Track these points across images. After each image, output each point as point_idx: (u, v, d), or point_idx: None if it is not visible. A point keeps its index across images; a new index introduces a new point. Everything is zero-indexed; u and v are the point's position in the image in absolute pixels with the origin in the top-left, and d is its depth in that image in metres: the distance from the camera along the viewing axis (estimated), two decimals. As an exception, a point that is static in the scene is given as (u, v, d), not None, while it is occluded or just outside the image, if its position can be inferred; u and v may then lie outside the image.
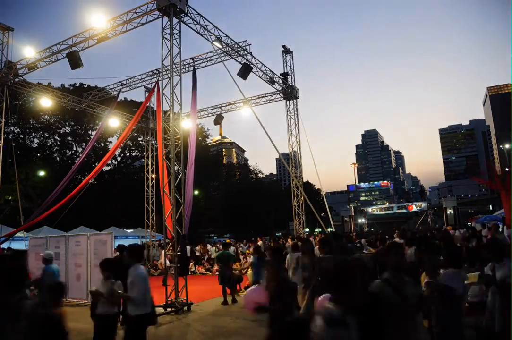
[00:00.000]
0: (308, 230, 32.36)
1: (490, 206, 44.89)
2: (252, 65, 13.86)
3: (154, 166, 18.40)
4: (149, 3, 10.59)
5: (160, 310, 8.25)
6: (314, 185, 62.06)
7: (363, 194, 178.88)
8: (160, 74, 10.72)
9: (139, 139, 33.12)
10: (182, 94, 9.98)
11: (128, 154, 37.96)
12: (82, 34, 11.90)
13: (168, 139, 9.93)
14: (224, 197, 44.70)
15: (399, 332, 2.61)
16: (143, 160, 23.30)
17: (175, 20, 10.21)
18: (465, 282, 4.61)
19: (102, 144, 34.33)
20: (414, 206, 41.69)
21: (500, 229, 12.87)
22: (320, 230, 41.84)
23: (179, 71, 10.20)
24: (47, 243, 11.07)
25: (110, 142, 35.65)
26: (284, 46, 17.42)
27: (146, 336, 4.36)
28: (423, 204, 41.30)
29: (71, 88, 30.55)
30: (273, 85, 15.99)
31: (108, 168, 36.19)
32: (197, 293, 10.18)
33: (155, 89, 12.94)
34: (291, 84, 16.77)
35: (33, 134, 32.15)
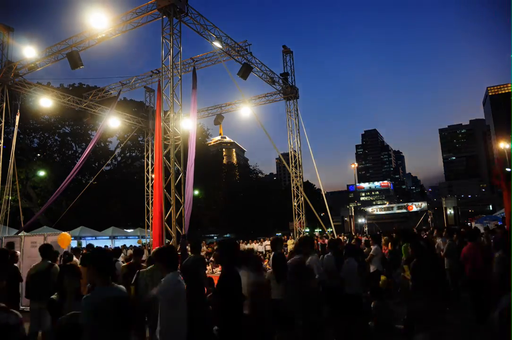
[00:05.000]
0: (308, 230, 32.35)
1: (490, 206, 44.88)
2: (252, 65, 13.86)
3: (154, 166, 18.40)
4: (149, 3, 10.60)
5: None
6: (314, 185, 62.06)
7: (363, 194, 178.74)
8: (160, 74, 10.73)
9: (139, 139, 33.13)
10: (182, 94, 10.00)
11: (128, 154, 37.93)
12: (82, 34, 11.90)
13: (168, 139, 9.93)
14: (224, 197, 44.68)
15: None
16: (143, 160, 23.30)
17: (175, 20, 10.21)
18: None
19: (102, 144, 34.31)
20: (414, 206, 41.66)
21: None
22: (320, 230, 41.84)
23: (179, 71, 10.20)
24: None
25: (110, 142, 35.67)
26: (284, 46, 17.41)
27: None
28: (423, 204, 41.29)
29: (71, 88, 30.52)
30: (273, 85, 15.99)
31: (108, 168, 36.17)
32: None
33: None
34: (291, 84, 16.77)
35: (33, 134, 32.14)
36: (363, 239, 17.85)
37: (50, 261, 5.74)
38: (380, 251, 7.70)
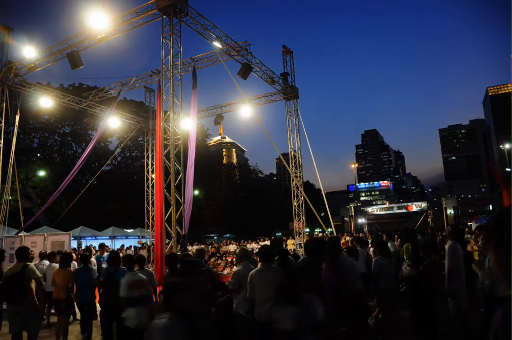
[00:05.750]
0: (308, 230, 32.33)
1: (490, 206, 44.85)
2: (252, 65, 13.86)
3: (154, 166, 18.41)
4: (149, 3, 10.60)
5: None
6: (314, 185, 62.06)
7: (363, 194, 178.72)
8: (160, 74, 10.74)
9: (139, 139, 33.11)
10: (182, 94, 10.00)
11: (128, 154, 37.92)
12: (82, 34, 11.91)
13: (168, 139, 9.93)
14: (224, 197, 44.67)
15: None
16: (143, 160, 23.30)
17: (175, 20, 10.22)
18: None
19: (102, 144, 34.30)
20: (414, 206, 41.58)
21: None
22: (320, 230, 41.84)
23: (179, 71, 10.20)
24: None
25: (110, 142, 35.66)
26: (284, 46, 17.42)
27: None
28: (423, 204, 41.19)
29: (71, 88, 30.52)
30: (273, 85, 15.99)
31: (108, 168, 36.17)
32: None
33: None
34: (291, 84, 16.77)
35: (33, 134, 32.13)
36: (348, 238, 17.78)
37: (27, 263, 5.59)
38: (364, 253, 7.64)
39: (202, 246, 7.17)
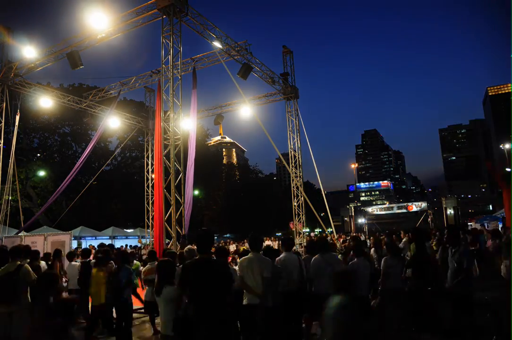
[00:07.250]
0: (308, 230, 32.34)
1: (490, 206, 44.87)
2: (252, 65, 13.86)
3: (154, 166, 18.41)
4: (149, 3, 10.60)
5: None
6: (314, 185, 62.08)
7: (363, 194, 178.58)
8: (160, 74, 10.74)
9: (139, 139, 33.07)
10: (182, 94, 10.01)
11: (128, 154, 37.88)
12: (82, 34, 11.92)
13: (168, 139, 9.93)
14: (224, 197, 44.68)
15: None
16: (143, 160, 23.29)
17: (175, 20, 10.22)
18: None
19: (102, 144, 34.26)
20: (414, 206, 41.58)
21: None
22: (320, 230, 41.85)
23: (179, 71, 10.21)
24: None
25: (110, 142, 35.63)
26: (284, 46, 17.42)
27: None
28: (423, 204, 41.21)
29: (71, 88, 30.50)
30: (273, 85, 15.99)
31: (108, 168, 36.11)
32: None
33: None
34: (291, 84, 16.77)
35: (33, 134, 32.11)
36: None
37: (19, 262, 5.35)
38: (368, 252, 7.72)
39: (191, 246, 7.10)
